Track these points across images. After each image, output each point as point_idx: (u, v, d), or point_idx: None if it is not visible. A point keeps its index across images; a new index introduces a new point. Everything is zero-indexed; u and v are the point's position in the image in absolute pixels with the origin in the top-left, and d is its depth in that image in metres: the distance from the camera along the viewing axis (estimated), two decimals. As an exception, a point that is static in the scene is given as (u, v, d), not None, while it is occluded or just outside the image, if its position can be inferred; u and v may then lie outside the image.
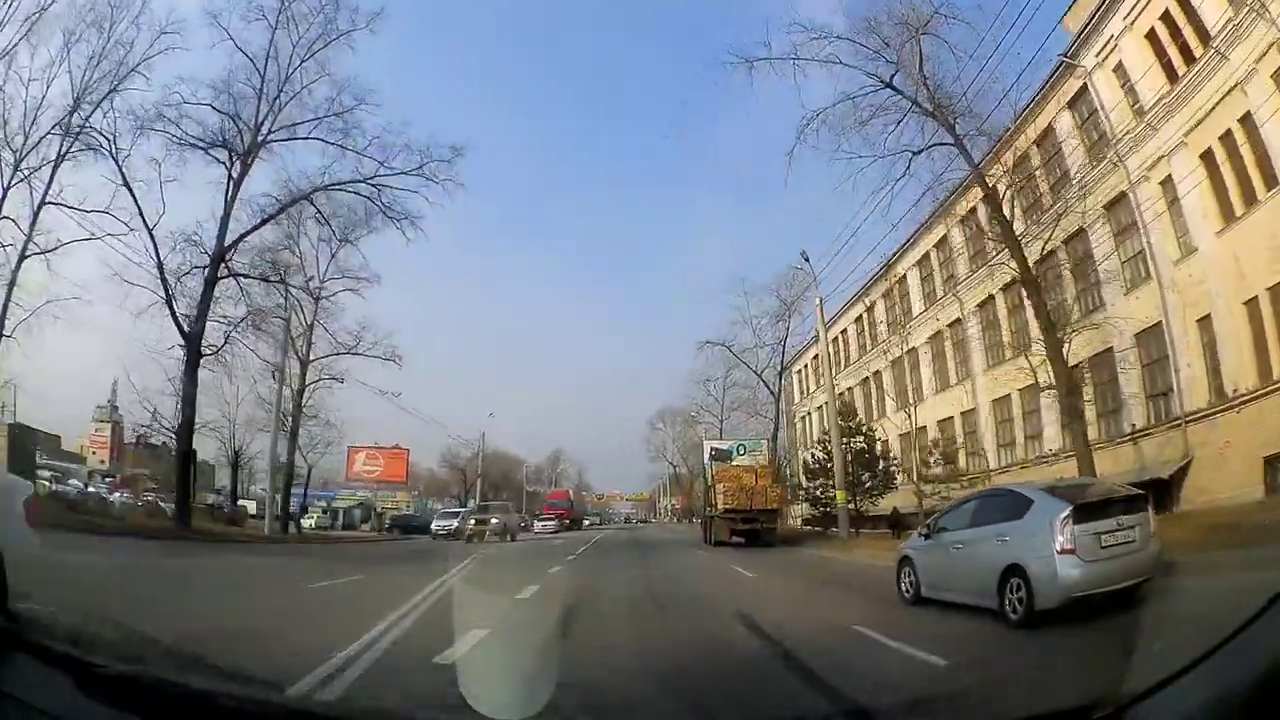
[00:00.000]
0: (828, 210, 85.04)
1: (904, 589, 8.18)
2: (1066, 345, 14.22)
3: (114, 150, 19.02)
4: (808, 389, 42.22)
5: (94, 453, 36.22)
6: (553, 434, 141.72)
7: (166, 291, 20.32)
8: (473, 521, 26.99)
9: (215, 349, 21.87)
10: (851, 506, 22.88)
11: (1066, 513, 6.19)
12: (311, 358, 29.48)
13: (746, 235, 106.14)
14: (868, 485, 24.03)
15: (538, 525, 46.83)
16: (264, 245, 23.47)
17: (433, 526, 33.97)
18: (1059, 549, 6.09)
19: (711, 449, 32.21)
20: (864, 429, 25.75)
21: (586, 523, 68.61)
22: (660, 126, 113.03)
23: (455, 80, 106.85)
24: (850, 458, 23.22)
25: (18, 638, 1.90)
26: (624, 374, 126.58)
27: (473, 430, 58.20)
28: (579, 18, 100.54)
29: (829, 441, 24.68)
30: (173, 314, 20.40)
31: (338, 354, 29.84)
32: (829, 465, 24.52)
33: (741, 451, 30.92)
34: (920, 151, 15.36)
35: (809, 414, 41.55)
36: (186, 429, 21.67)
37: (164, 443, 32.09)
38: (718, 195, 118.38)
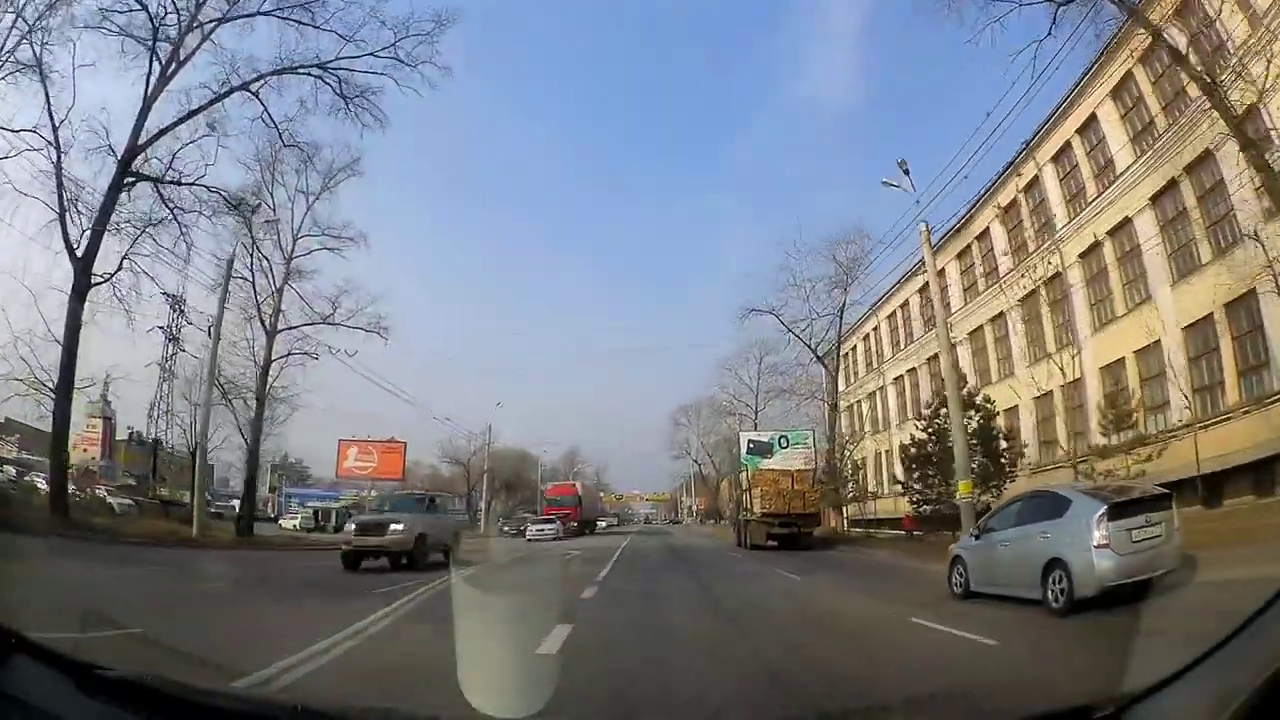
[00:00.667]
0: (858, 202, 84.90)
1: (954, 586, 9.15)
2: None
3: (35, 43, 17.31)
4: (856, 374, 39.08)
5: (85, 450, 35.32)
6: (569, 436, 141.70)
7: (61, 203, 17.87)
8: (354, 528, 16.21)
9: (109, 276, 18.86)
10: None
11: (1102, 511, 7.18)
12: (280, 327, 26.63)
13: (764, 236, 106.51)
14: (1000, 470, 19.71)
15: (533, 530, 37.32)
16: (229, 188, 21.59)
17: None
18: (1096, 544, 7.19)
19: (749, 442, 29.56)
20: (980, 401, 21.15)
21: (603, 525, 60.84)
22: (679, 130, 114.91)
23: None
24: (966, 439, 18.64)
25: (18, 638, 1.93)
26: (642, 374, 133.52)
27: (480, 424, 52.86)
28: (582, 15, 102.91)
29: (936, 420, 20.91)
30: (64, 231, 18.01)
31: (311, 324, 27.20)
32: (933, 451, 20.91)
33: (784, 444, 28.37)
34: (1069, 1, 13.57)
35: (859, 402, 38.27)
36: (64, 387, 17.84)
37: (158, 439, 31.24)
38: (735, 198, 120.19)
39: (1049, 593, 7.70)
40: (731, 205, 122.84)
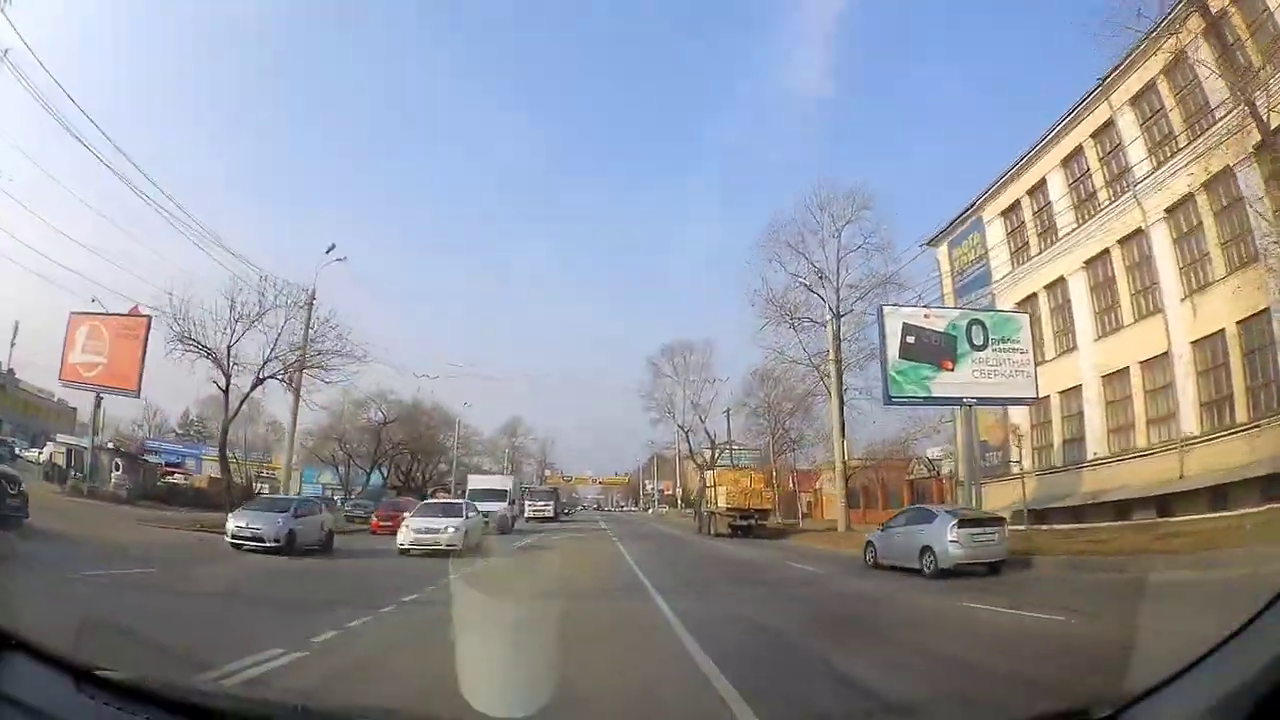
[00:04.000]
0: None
1: (867, 560, 14.64)
2: None
3: None
4: (1024, 248, 24.64)
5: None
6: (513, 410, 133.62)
7: None
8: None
9: None
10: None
11: (955, 522, 12.47)
12: None
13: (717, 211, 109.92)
14: None
15: None
16: None
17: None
18: (950, 540, 12.40)
19: (906, 331, 17.92)
20: None
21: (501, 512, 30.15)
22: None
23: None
24: None
25: (17, 638, 1.93)
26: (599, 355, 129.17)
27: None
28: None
29: None
30: None
31: None
32: None
33: (978, 338, 17.03)
34: None
35: (1036, 294, 23.82)
36: None
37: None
38: (689, 179, 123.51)
39: (923, 565, 13.34)
40: (702, 193, 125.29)
